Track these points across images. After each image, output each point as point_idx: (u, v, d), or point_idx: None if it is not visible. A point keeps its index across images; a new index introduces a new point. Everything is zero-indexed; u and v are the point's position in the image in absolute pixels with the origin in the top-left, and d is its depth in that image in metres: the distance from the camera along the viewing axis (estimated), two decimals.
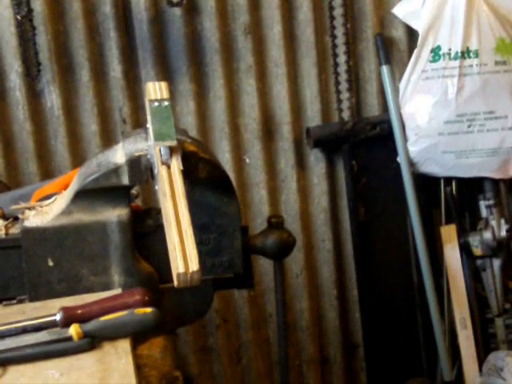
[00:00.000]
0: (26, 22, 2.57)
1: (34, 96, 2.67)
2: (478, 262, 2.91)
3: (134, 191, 1.70)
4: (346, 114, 2.87)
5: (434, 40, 2.72)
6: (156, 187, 1.52)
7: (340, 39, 2.81)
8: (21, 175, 2.70)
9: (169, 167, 1.49)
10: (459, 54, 2.70)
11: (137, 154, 1.58)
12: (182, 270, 1.31)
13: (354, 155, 2.88)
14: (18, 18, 2.56)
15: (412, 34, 2.82)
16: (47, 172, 2.70)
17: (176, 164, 1.50)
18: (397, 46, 2.87)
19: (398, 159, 2.81)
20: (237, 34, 2.76)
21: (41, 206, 1.69)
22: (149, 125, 1.59)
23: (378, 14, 2.83)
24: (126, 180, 1.58)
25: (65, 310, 1.42)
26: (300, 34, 2.81)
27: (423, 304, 2.89)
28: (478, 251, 2.86)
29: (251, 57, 2.78)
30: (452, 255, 2.86)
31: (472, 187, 2.90)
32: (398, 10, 2.78)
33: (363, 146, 2.87)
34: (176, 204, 1.42)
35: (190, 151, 1.60)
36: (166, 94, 1.65)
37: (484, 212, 2.89)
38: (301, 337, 3.04)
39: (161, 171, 1.48)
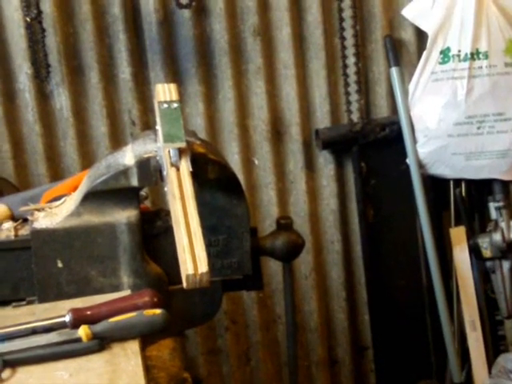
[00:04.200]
0: (35, 24, 2.58)
1: (44, 98, 2.67)
2: (488, 263, 2.90)
3: (143, 193, 1.71)
4: (355, 116, 2.87)
5: (444, 41, 2.72)
6: (165, 189, 1.53)
7: (349, 41, 2.81)
8: (30, 177, 2.71)
9: (178, 169, 1.50)
10: (469, 56, 2.70)
11: (146, 155, 1.58)
12: (191, 271, 1.31)
13: (363, 157, 2.87)
14: (28, 20, 2.57)
15: (421, 36, 2.81)
16: (56, 173, 2.70)
17: (185, 166, 1.50)
18: (406, 48, 2.86)
19: (408, 161, 2.81)
20: (246, 36, 2.76)
21: (50, 208, 1.69)
22: (158, 126, 1.60)
23: (387, 16, 2.83)
24: (135, 182, 1.59)
25: (74, 311, 1.42)
26: (309, 36, 2.81)
27: (432, 306, 2.88)
28: (487, 253, 2.85)
29: (260, 58, 2.78)
30: (461, 257, 2.85)
31: (481, 189, 2.90)
32: (408, 12, 2.78)
33: (372, 148, 2.87)
34: (185, 205, 1.43)
35: (199, 153, 1.60)
36: (175, 96, 1.65)
37: (493, 214, 2.88)
38: (310, 338, 3.04)
39: (170, 173, 1.49)
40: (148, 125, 2.70)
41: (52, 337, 1.38)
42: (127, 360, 1.33)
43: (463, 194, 2.87)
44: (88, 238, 1.61)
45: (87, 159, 2.70)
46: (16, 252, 1.64)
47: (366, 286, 2.99)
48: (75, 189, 1.71)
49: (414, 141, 2.78)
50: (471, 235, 2.87)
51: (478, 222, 2.94)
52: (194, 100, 2.77)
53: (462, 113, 2.72)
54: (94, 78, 2.68)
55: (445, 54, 2.72)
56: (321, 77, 2.84)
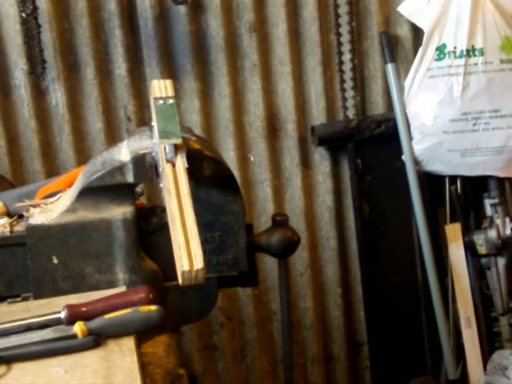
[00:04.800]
0: (31, 20, 2.57)
1: (39, 94, 2.67)
2: (483, 260, 2.91)
3: (138, 189, 1.71)
4: (350, 112, 2.87)
5: (440, 38, 2.72)
6: (161, 185, 1.52)
7: (345, 37, 2.81)
8: (26, 173, 2.70)
9: (174, 165, 1.50)
10: (464, 53, 2.70)
11: (142, 151, 1.58)
12: (186, 267, 1.31)
13: (359, 153, 2.87)
14: (23, 15, 2.57)
15: (417, 32, 2.81)
16: (52, 170, 2.70)
17: (181, 162, 1.50)
18: (402, 44, 2.86)
19: (403, 157, 2.81)
20: (242, 32, 2.76)
21: (45, 204, 1.69)
22: (154, 123, 1.60)
23: (383, 12, 2.83)
24: (130, 178, 1.59)
25: (69, 307, 1.42)
26: (305, 32, 2.80)
27: (428, 302, 2.89)
28: (482, 250, 2.85)
29: (256, 55, 2.77)
30: (457, 254, 2.86)
31: (477, 186, 2.90)
32: (404, 8, 2.78)
33: (368, 145, 2.87)
34: (181, 202, 1.42)
35: (194, 149, 1.60)
36: (171, 92, 1.65)
37: (489, 210, 2.88)
38: (305, 335, 3.04)
39: (166, 169, 1.49)
40: (144, 121, 2.70)
41: (47, 333, 1.38)
42: (122, 356, 1.33)
43: (459, 190, 2.87)
44: (83, 235, 1.61)
45: (83, 155, 2.70)
46: (11, 248, 1.64)
47: (361, 282, 2.99)
48: (70, 185, 1.71)
49: (410, 137, 2.79)
50: (466, 232, 2.88)
51: (473, 219, 2.94)
52: (189, 96, 2.77)
53: (458, 109, 2.72)
54: (89, 73, 2.68)
55: (440, 50, 2.72)
56: (316, 73, 2.84)
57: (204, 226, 1.64)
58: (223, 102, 2.79)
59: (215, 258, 1.71)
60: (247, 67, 2.79)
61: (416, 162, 2.80)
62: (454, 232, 2.86)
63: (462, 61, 2.70)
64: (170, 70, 2.73)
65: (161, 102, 1.61)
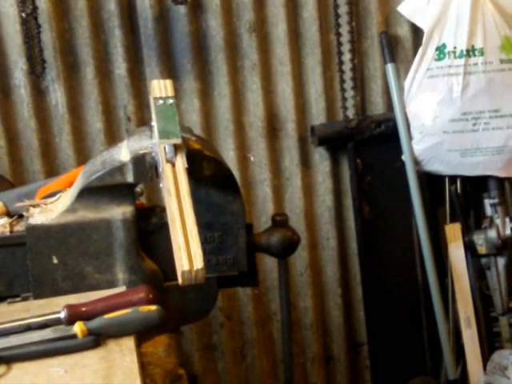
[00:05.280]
0: (30, 20, 2.57)
1: (39, 94, 2.67)
2: (483, 260, 2.90)
3: (138, 189, 1.71)
4: (350, 112, 2.87)
5: (439, 38, 2.72)
6: (160, 185, 1.53)
7: (345, 37, 2.81)
8: (25, 173, 2.70)
9: (173, 165, 1.50)
10: (464, 53, 2.70)
11: (141, 151, 1.58)
12: (186, 267, 1.31)
13: (359, 153, 2.87)
14: (23, 15, 2.57)
15: (417, 32, 2.81)
16: (52, 169, 2.70)
17: (181, 162, 1.50)
18: (402, 44, 2.86)
19: (403, 157, 2.81)
20: (241, 32, 2.76)
21: (45, 204, 1.69)
22: (153, 123, 1.60)
23: (383, 12, 2.83)
24: (130, 178, 1.59)
25: (69, 307, 1.42)
26: (305, 32, 2.80)
27: (427, 302, 2.88)
28: (482, 250, 2.85)
29: (256, 55, 2.77)
30: (457, 254, 2.86)
31: (477, 186, 2.90)
32: (403, 8, 2.77)
33: (368, 145, 2.87)
34: (181, 202, 1.43)
35: (194, 149, 1.60)
36: (170, 92, 1.65)
37: (489, 210, 2.88)
38: (305, 335, 3.04)
39: (165, 169, 1.49)
40: (143, 121, 2.70)
41: (47, 333, 1.38)
42: (122, 356, 1.33)
43: (458, 190, 2.87)
44: (83, 234, 1.61)
45: (82, 155, 2.70)
46: (11, 248, 1.64)
47: (361, 282, 2.99)
48: (70, 185, 1.71)
49: (410, 137, 2.78)
50: (466, 232, 2.87)
51: (473, 219, 2.94)
52: (189, 96, 2.77)
53: (458, 109, 2.72)
54: (89, 73, 2.68)
55: (440, 50, 2.72)
56: (316, 73, 2.83)
57: (204, 226, 1.65)
58: (223, 101, 2.79)
59: (215, 258, 1.71)
60: (247, 67, 2.79)
61: (416, 162, 2.80)
62: (453, 232, 2.86)
63: (461, 61, 2.70)
64: (170, 70, 2.73)
65: (161, 101, 1.61)
